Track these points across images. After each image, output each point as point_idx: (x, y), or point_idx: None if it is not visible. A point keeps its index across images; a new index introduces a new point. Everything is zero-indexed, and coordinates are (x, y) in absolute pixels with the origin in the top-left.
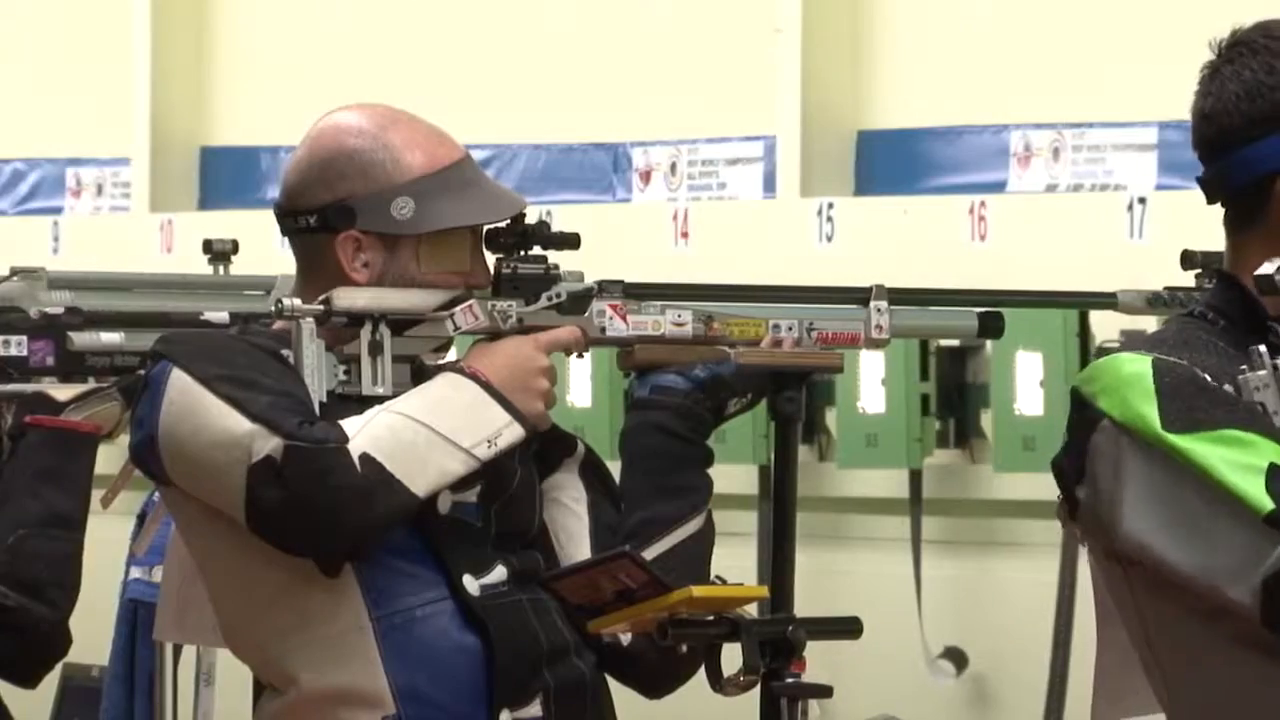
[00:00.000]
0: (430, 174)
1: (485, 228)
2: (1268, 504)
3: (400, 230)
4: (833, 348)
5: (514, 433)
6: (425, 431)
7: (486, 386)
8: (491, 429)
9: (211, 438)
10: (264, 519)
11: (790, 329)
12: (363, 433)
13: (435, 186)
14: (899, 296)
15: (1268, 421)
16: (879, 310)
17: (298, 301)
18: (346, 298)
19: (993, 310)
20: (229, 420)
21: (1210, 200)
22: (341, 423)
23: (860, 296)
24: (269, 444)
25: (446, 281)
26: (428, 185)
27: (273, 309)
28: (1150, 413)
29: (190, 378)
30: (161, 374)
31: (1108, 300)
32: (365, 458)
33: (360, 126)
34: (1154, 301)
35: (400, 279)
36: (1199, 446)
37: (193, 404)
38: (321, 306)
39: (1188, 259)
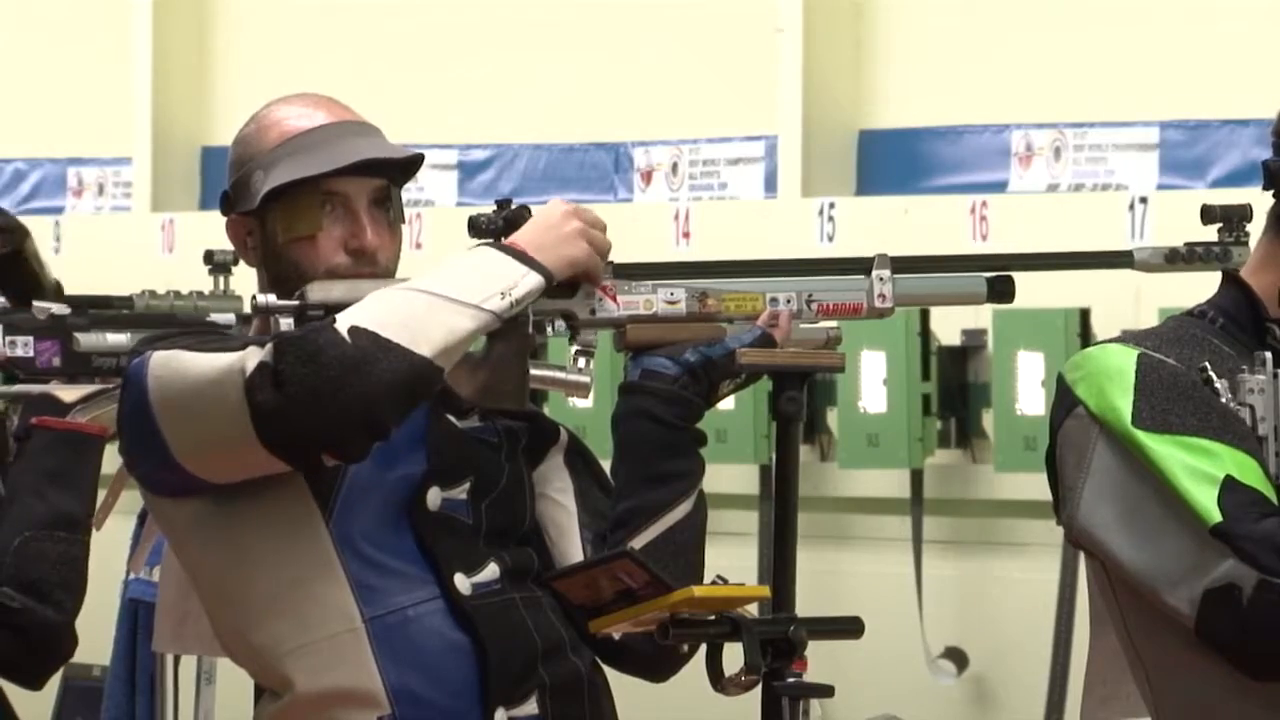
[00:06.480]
0: (285, 141)
1: (378, 187)
2: (1215, 515)
3: (250, 205)
4: (834, 319)
5: (531, 281)
6: (425, 297)
7: (498, 244)
8: (505, 281)
9: (202, 379)
10: (270, 425)
11: (789, 302)
12: (352, 310)
13: (286, 152)
14: (902, 264)
15: (1244, 429)
16: (881, 279)
17: (272, 298)
18: (321, 291)
19: (1002, 274)
20: (214, 359)
21: (1266, 187)
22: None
23: (862, 266)
24: (258, 354)
25: (302, 249)
26: (279, 153)
27: (250, 306)
28: (1124, 406)
29: (168, 351)
30: (140, 364)
31: (1124, 259)
32: (355, 329)
33: (262, 112)
34: (1172, 258)
35: (271, 253)
36: (1162, 447)
37: (177, 368)
38: (297, 302)
39: (1207, 213)
